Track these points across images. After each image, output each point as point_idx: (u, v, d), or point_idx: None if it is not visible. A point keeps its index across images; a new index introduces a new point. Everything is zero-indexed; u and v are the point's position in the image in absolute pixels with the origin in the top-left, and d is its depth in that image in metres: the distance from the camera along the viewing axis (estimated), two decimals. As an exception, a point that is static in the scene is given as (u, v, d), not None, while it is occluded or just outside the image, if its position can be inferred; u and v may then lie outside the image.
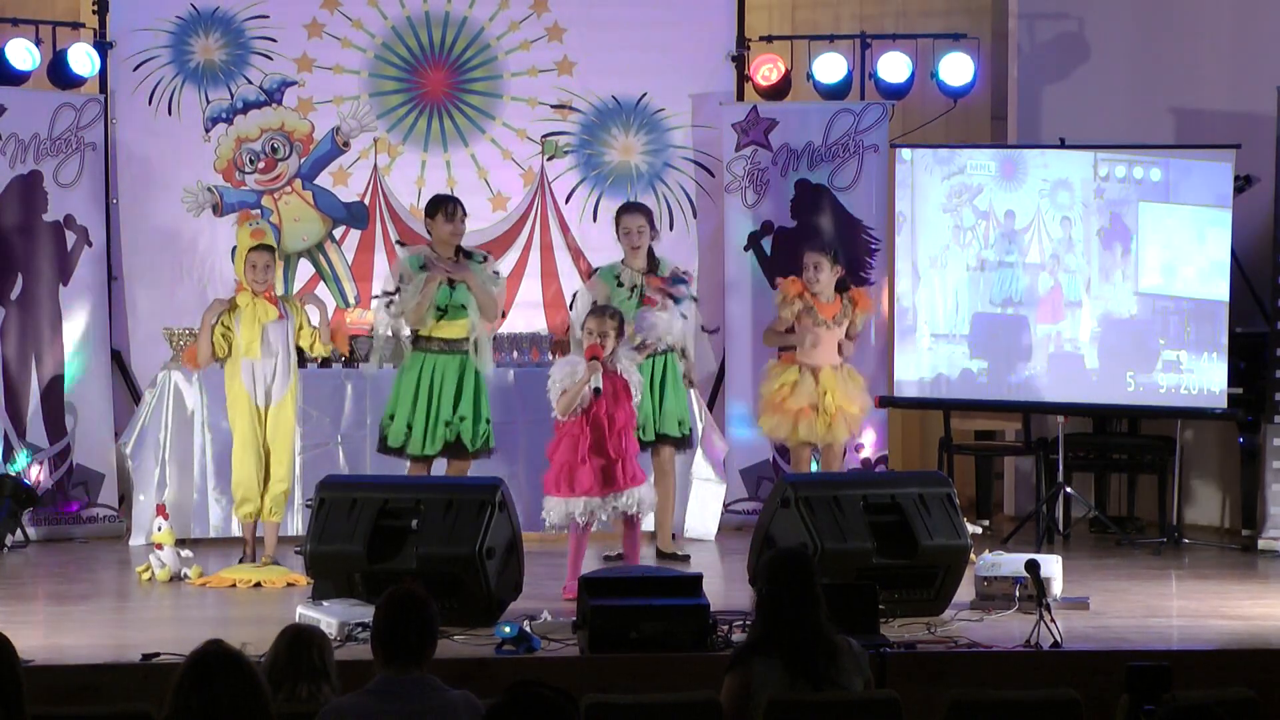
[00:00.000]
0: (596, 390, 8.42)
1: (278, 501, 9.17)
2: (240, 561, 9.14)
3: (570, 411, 8.46)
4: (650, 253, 9.76)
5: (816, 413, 9.63)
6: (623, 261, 9.76)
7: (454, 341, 9.41)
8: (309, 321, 9.28)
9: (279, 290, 9.61)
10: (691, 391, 10.04)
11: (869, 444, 10.79)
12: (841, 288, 9.80)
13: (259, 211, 10.92)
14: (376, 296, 9.67)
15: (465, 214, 9.49)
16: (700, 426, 10.27)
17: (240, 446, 9.18)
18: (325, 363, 10.23)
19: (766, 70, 11.03)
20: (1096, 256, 10.30)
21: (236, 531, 10.03)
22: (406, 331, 9.43)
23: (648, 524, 9.33)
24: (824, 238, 10.54)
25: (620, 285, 9.66)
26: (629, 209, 9.94)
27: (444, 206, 9.44)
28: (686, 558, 9.64)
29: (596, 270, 9.93)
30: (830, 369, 9.68)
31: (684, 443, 9.85)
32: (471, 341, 9.41)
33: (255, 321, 9.11)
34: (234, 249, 10.77)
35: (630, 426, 8.61)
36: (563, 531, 8.61)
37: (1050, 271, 10.38)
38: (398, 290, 9.35)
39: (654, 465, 9.65)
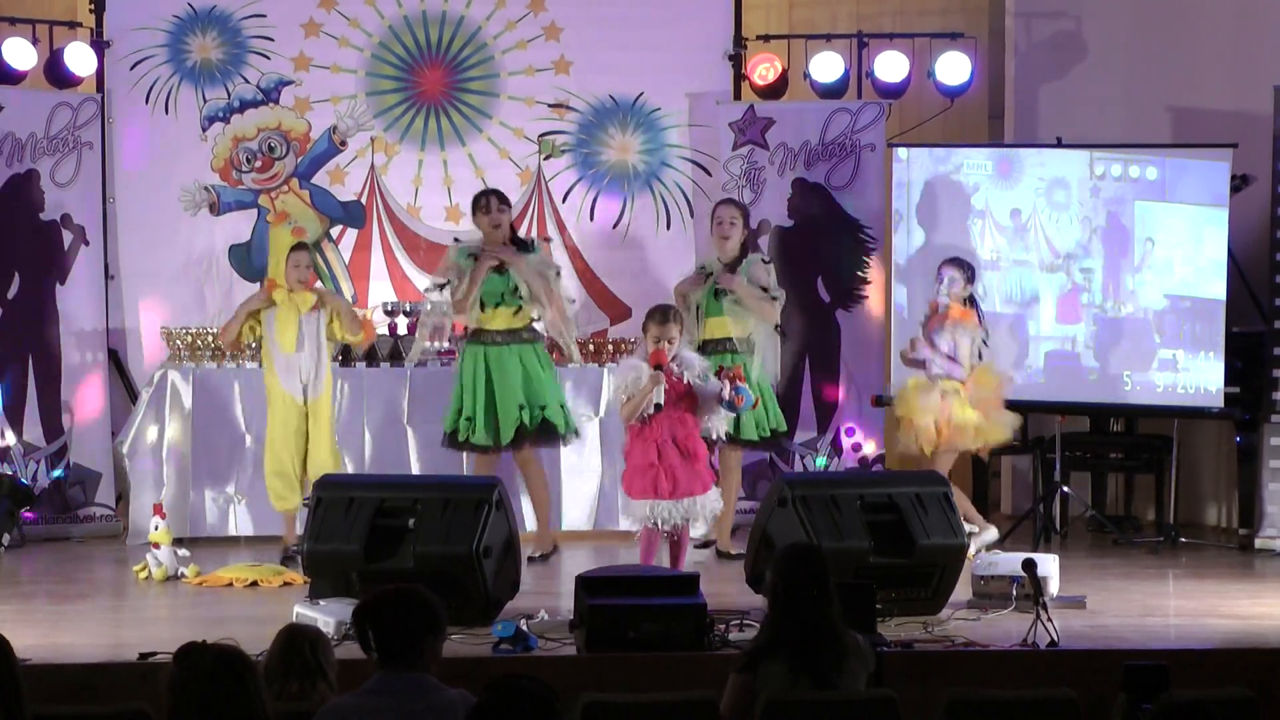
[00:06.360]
0: (658, 406, 8.24)
1: None
2: (286, 557, 9.23)
3: (636, 418, 8.31)
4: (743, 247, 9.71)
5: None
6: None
7: (513, 331, 9.44)
8: (338, 314, 9.45)
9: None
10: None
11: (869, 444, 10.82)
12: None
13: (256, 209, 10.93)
14: (427, 289, 9.67)
15: (503, 203, 9.53)
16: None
17: (281, 442, 9.32)
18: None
19: (763, 69, 11.02)
20: (1093, 256, 10.30)
21: (233, 530, 10.03)
22: (448, 327, 9.52)
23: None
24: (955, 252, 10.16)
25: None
26: (723, 201, 9.98)
27: (478, 202, 9.55)
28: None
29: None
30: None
31: (760, 444, 9.73)
32: (544, 331, 9.48)
33: (294, 315, 9.32)
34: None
35: (696, 428, 8.40)
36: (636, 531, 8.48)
37: (1048, 270, 10.38)
38: (447, 283, 9.42)
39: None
